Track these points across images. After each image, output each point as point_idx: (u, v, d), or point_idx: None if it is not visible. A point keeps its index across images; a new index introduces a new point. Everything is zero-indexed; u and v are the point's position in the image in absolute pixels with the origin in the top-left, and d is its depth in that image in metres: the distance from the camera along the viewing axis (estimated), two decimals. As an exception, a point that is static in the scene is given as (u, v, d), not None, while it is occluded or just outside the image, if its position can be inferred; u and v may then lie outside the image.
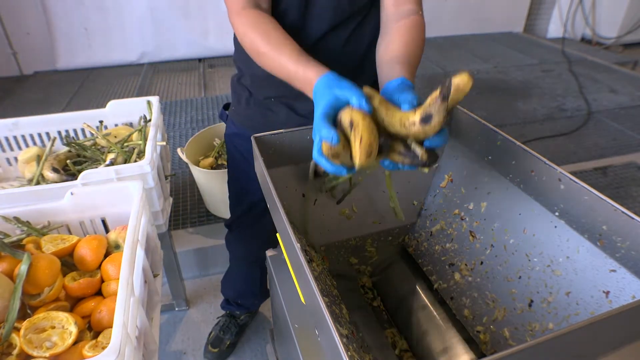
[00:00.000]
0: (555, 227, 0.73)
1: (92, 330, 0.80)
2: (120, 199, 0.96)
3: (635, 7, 4.09)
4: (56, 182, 1.14)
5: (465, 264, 0.88)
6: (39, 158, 1.24)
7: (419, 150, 0.61)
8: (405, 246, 1.02)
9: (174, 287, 1.63)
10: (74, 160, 1.25)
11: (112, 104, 1.38)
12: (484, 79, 3.38)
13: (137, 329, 0.75)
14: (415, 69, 0.77)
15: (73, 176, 1.18)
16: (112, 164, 1.20)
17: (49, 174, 1.18)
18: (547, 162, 0.72)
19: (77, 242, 0.90)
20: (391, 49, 0.78)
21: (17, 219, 0.89)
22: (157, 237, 1.07)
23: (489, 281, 0.83)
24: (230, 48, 1.04)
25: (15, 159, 1.35)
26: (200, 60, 3.75)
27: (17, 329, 0.70)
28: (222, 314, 1.57)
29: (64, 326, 0.72)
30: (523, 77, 3.42)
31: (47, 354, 0.68)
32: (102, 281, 0.88)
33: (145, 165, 1.09)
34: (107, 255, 0.91)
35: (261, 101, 1.02)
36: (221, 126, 1.97)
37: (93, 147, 1.30)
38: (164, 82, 3.35)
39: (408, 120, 0.59)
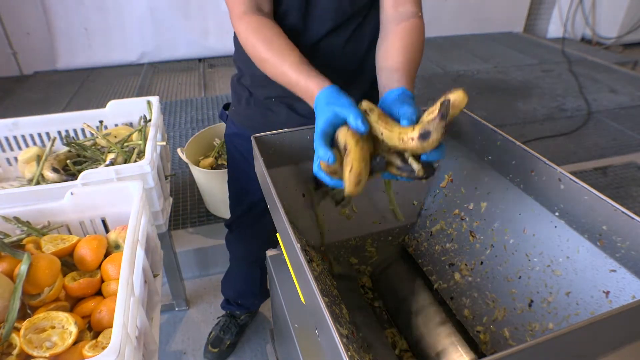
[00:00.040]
0: (555, 227, 0.73)
1: (92, 330, 0.80)
2: (120, 199, 0.96)
3: (635, 7, 4.09)
4: (56, 182, 1.14)
5: (465, 264, 0.88)
6: (39, 158, 1.24)
7: (415, 165, 0.64)
8: (405, 246, 1.02)
9: (174, 287, 1.63)
10: (74, 160, 1.25)
11: (112, 104, 1.38)
12: (484, 79, 3.38)
13: (137, 329, 0.75)
14: (415, 74, 0.78)
15: (73, 176, 1.18)
16: (112, 164, 1.20)
17: (49, 174, 1.18)
18: (547, 162, 0.72)
19: (77, 242, 0.90)
20: (391, 55, 0.78)
21: (17, 219, 0.90)
22: (157, 237, 1.07)
23: (489, 281, 0.83)
24: (230, 48, 1.04)
25: (15, 159, 1.35)
26: (200, 60, 3.75)
27: (17, 329, 0.70)
28: (222, 314, 1.58)
29: (64, 326, 0.72)
30: (523, 77, 3.42)
31: (47, 354, 0.68)
32: (102, 281, 0.88)
33: (145, 165, 1.09)
34: (107, 255, 0.91)
35: (261, 101, 1.02)
36: (221, 126, 1.97)
37: (93, 147, 1.30)
38: (164, 82, 3.35)
39: (406, 136, 0.61)
